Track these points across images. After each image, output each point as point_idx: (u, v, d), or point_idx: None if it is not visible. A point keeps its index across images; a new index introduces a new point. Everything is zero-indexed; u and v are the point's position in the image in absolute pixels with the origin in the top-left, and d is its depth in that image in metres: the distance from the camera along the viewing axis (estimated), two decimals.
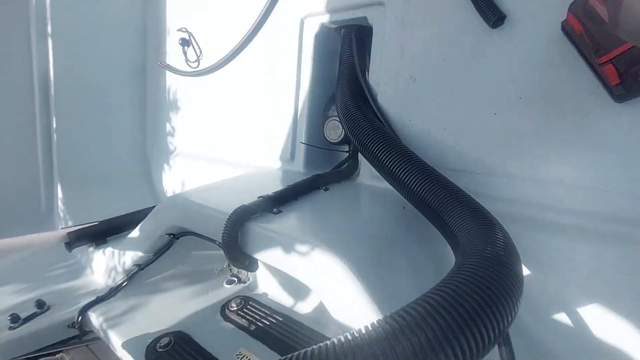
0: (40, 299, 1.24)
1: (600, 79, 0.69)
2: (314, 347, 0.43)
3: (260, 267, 1.33)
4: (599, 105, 0.71)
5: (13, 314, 1.19)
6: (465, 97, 0.88)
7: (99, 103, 1.76)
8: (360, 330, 0.43)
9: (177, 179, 1.79)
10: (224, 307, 1.21)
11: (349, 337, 0.43)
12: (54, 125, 1.61)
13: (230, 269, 1.39)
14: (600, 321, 0.75)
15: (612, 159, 0.71)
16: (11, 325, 1.18)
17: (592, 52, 0.66)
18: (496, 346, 0.62)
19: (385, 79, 1.02)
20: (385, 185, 1.07)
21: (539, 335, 0.79)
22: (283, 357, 0.43)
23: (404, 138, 0.98)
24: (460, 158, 0.90)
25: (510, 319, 0.45)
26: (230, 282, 1.35)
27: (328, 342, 0.43)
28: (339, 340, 0.43)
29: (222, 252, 1.42)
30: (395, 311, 0.44)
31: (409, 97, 0.97)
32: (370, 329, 0.43)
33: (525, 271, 0.82)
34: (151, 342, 1.08)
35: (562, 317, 0.78)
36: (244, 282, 1.35)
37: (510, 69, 0.81)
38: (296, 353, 0.43)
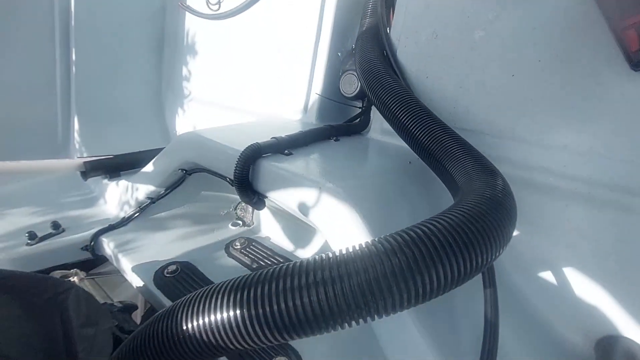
0: (55, 221, 1.31)
1: (621, 45, 0.70)
2: (307, 258, 0.47)
3: (265, 213, 1.39)
4: (614, 72, 0.72)
5: (30, 231, 1.27)
6: (485, 56, 0.88)
7: (117, 40, 1.76)
8: (354, 246, 0.47)
9: (190, 123, 1.82)
10: (228, 245, 1.27)
11: (343, 251, 0.47)
12: (73, 57, 1.62)
13: (236, 212, 1.45)
14: (584, 282, 0.80)
15: (618, 127, 0.73)
16: (29, 241, 1.26)
17: (617, 16, 0.66)
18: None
19: (407, 34, 1.02)
20: (394, 141, 1.10)
21: (523, 289, 0.84)
22: (280, 265, 0.47)
23: (419, 94, 0.99)
24: (472, 118, 0.91)
25: (497, 251, 0.49)
26: (235, 225, 1.41)
27: (323, 255, 0.47)
28: (333, 253, 0.46)
29: (229, 195, 1.48)
30: (391, 233, 0.48)
31: (428, 54, 0.97)
32: (364, 246, 0.47)
33: (519, 229, 0.86)
34: (159, 268, 1.15)
35: (547, 275, 0.83)
36: (248, 225, 1.41)
37: (533, 30, 0.81)
38: (287, 264, 0.47)
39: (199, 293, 0.50)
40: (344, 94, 1.22)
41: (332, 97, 1.23)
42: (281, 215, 1.35)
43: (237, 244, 1.27)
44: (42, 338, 0.58)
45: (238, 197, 1.51)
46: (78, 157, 1.43)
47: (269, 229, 1.37)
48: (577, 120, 0.78)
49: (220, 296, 0.47)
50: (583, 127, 0.77)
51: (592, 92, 0.75)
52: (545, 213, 0.82)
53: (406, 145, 0.89)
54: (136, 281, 1.14)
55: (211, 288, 0.49)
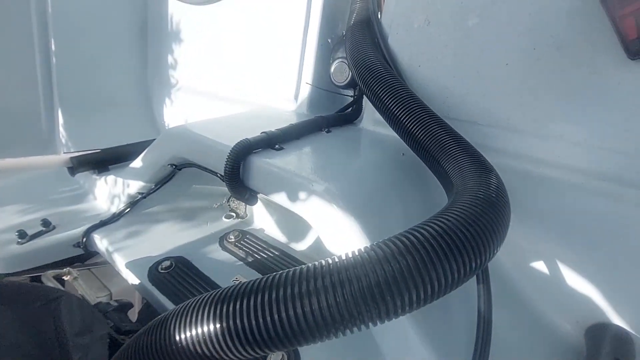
0: (45, 219, 1.29)
1: (619, 33, 0.68)
2: (305, 265, 0.47)
3: (258, 205, 1.38)
4: (612, 61, 0.70)
5: (20, 230, 1.25)
6: (478, 44, 0.86)
7: (98, 27, 1.69)
8: (347, 254, 0.47)
9: (178, 112, 1.77)
10: (222, 238, 1.27)
11: (336, 259, 0.46)
12: (53, 47, 1.55)
13: (229, 205, 1.44)
14: (575, 272, 0.81)
15: (614, 117, 0.72)
16: (19, 240, 1.24)
17: (614, 3, 0.64)
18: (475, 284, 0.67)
19: (399, 21, 0.98)
20: (386, 131, 1.08)
21: (515, 279, 0.85)
22: (273, 274, 0.47)
23: (411, 84, 0.97)
24: (466, 108, 0.90)
25: (491, 254, 0.49)
26: (228, 217, 1.40)
27: (317, 262, 0.47)
28: (327, 261, 0.46)
29: (222, 187, 1.46)
30: (386, 239, 0.48)
31: (421, 41, 0.95)
32: (357, 253, 0.46)
33: (512, 220, 0.86)
34: (153, 264, 1.15)
35: (539, 264, 0.84)
36: (242, 218, 1.40)
37: (528, 16, 0.78)
38: (281, 272, 0.46)
39: (192, 303, 0.50)
40: (335, 83, 1.19)
41: (323, 85, 1.20)
42: (275, 206, 1.34)
43: (231, 236, 1.26)
44: (36, 346, 0.58)
45: None
46: (65, 153, 1.39)
47: (263, 220, 1.36)
48: (572, 109, 0.77)
49: (213, 306, 0.46)
50: (579, 116, 0.76)
51: (588, 81, 0.74)
52: (539, 203, 0.82)
53: (397, 135, 0.88)
54: (131, 278, 1.13)
55: (204, 297, 0.49)
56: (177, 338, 0.47)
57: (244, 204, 1.41)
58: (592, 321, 0.79)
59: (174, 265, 1.11)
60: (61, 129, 1.61)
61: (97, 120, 1.69)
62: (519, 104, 0.83)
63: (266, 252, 1.21)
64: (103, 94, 1.75)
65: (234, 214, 1.41)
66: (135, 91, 1.83)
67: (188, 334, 0.46)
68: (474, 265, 0.46)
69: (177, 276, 1.07)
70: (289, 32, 1.26)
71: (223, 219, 1.40)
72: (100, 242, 1.23)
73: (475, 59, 0.87)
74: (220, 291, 0.48)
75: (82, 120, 1.65)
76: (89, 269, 1.31)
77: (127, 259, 1.16)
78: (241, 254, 1.20)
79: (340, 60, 1.16)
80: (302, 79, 1.21)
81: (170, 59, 1.76)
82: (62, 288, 1.07)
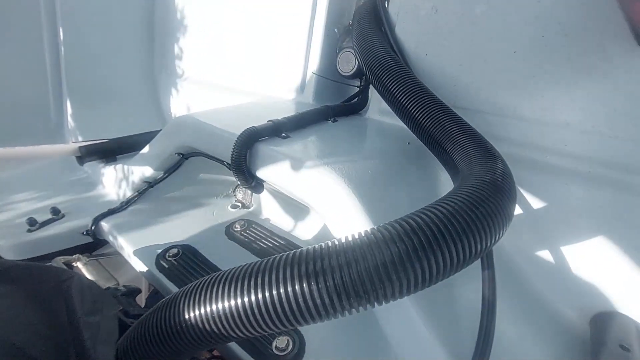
0: (55, 207, 1.31)
1: (629, 19, 0.67)
2: (307, 247, 0.47)
3: (264, 195, 1.39)
4: (621, 48, 0.70)
5: (30, 217, 1.27)
6: (486, 32, 0.85)
7: (105, 18, 1.70)
8: (353, 235, 0.47)
9: (184, 103, 1.78)
10: (228, 227, 1.28)
11: (342, 240, 0.47)
12: (61, 37, 1.57)
13: (235, 195, 1.45)
14: (580, 260, 0.81)
15: (622, 105, 0.71)
16: (29, 227, 1.26)
17: None
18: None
19: (406, 9, 0.98)
20: (392, 121, 1.08)
21: (520, 266, 0.85)
22: (280, 254, 0.47)
23: (418, 73, 0.96)
24: (473, 96, 0.90)
25: (496, 237, 0.49)
26: (234, 207, 1.41)
27: (324, 243, 0.47)
28: (333, 242, 0.47)
29: (228, 177, 1.47)
30: (392, 221, 0.48)
31: (428, 30, 0.94)
32: (363, 235, 0.47)
33: (518, 208, 0.86)
34: (160, 252, 1.16)
35: (545, 253, 0.84)
36: (248, 207, 1.41)
37: (537, 2, 0.78)
38: (288, 253, 0.47)
39: (201, 282, 0.51)
40: (341, 73, 1.19)
41: (329, 75, 1.20)
42: (281, 197, 1.35)
43: (237, 226, 1.27)
44: (48, 326, 0.59)
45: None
46: (73, 142, 1.41)
47: (269, 210, 1.37)
48: (580, 97, 0.76)
49: (221, 285, 0.47)
50: (586, 104, 0.76)
51: (597, 68, 0.73)
52: (545, 192, 0.82)
53: (404, 125, 0.88)
54: (138, 265, 1.15)
55: (213, 277, 0.50)
56: (187, 316, 0.48)
57: (250, 194, 1.42)
58: (598, 309, 0.79)
59: (180, 253, 1.12)
60: (70, 119, 1.63)
61: (105, 110, 1.71)
62: (526, 92, 0.82)
63: (272, 240, 1.21)
64: (110, 84, 1.77)
65: (240, 204, 1.42)
66: (142, 82, 1.85)
67: (197, 312, 0.47)
68: (479, 247, 0.46)
69: (184, 263, 1.09)
70: (295, 22, 1.26)
71: (229, 208, 1.41)
72: (109, 229, 1.25)
73: (483, 46, 0.86)
74: (229, 271, 0.49)
75: (90, 110, 1.67)
76: (97, 259, 1.33)
77: (135, 247, 1.17)
78: (247, 242, 1.21)
79: (346, 50, 1.16)
80: (309, 69, 1.21)
81: (176, 49, 1.76)
82: None
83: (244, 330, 0.46)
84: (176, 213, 1.35)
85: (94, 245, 1.35)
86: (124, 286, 1.00)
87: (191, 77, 1.74)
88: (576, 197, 0.79)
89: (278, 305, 0.43)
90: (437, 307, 0.63)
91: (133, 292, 0.99)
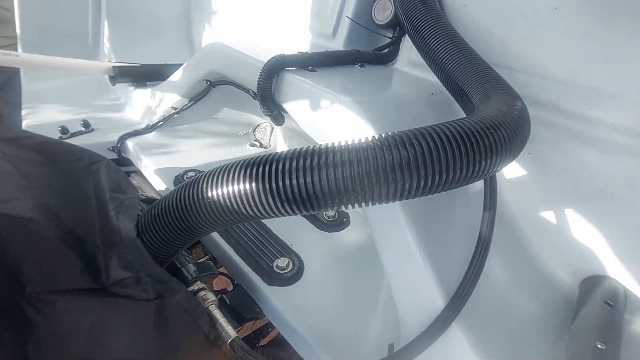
0: (86, 120, 1.38)
1: None
2: (326, 143, 0.50)
3: (281, 136, 1.43)
4: None
5: (63, 126, 1.35)
6: None
7: None
8: (360, 138, 0.50)
9: (216, 39, 1.80)
10: None
11: (355, 140, 0.50)
12: None
13: (254, 134, 1.49)
14: (582, 223, 0.82)
15: None
16: (61, 135, 1.34)
17: None
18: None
19: None
20: (419, 73, 1.08)
21: (521, 227, 0.87)
22: (293, 149, 0.51)
23: (455, 23, 0.95)
24: (505, 52, 0.89)
25: (502, 160, 0.50)
26: (252, 145, 1.46)
27: (338, 141, 0.50)
28: (345, 141, 0.50)
29: (250, 115, 1.50)
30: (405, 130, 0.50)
31: None
32: (376, 138, 0.49)
33: (530, 167, 0.87)
34: (179, 174, 1.23)
35: (548, 213, 0.85)
36: (265, 147, 1.45)
37: None
38: (301, 148, 0.51)
39: (223, 167, 0.55)
40: (376, 21, 1.17)
41: (363, 22, 1.20)
42: (298, 139, 1.38)
43: None
44: (77, 195, 0.65)
45: (258, 118, 1.54)
46: (108, 61, 1.46)
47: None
48: (614, 61, 0.75)
49: (242, 169, 0.51)
50: (619, 68, 0.75)
51: (638, 28, 0.71)
52: (560, 153, 0.83)
53: (430, 78, 0.88)
54: (158, 183, 1.22)
55: (235, 163, 0.54)
56: (209, 194, 0.53)
57: (269, 134, 1.46)
58: (590, 273, 0.81)
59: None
60: (106, 41, 1.68)
61: (140, 38, 1.75)
62: (560, 51, 0.81)
63: None
64: (147, 14, 1.80)
65: (257, 143, 1.46)
66: (177, 15, 1.87)
67: (219, 190, 0.52)
68: (484, 164, 0.48)
69: None
70: None
71: (247, 146, 1.46)
72: (133, 148, 1.32)
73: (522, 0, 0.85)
74: (250, 158, 0.53)
75: (126, 36, 1.71)
76: None
77: (155, 166, 1.24)
78: None
79: None
80: (343, 13, 1.20)
81: None
82: None
83: (262, 209, 0.50)
84: (197, 142, 1.40)
85: (117, 162, 1.43)
86: (142, 194, 1.06)
87: (226, 15, 1.75)
88: (591, 161, 0.79)
89: (289, 191, 0.48)
90: (433, 233, 0.66)
91: (151, 201, 1.06)
